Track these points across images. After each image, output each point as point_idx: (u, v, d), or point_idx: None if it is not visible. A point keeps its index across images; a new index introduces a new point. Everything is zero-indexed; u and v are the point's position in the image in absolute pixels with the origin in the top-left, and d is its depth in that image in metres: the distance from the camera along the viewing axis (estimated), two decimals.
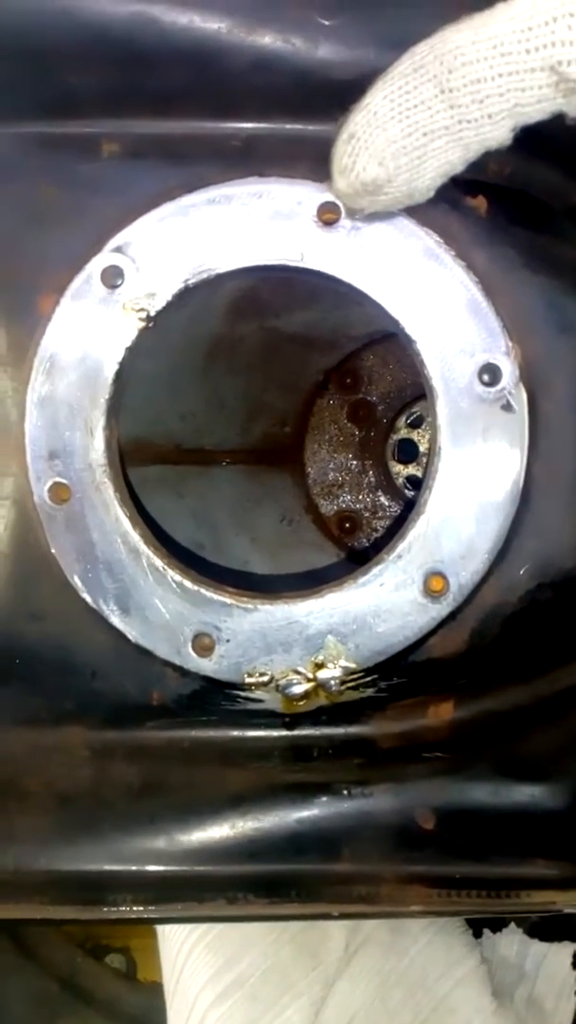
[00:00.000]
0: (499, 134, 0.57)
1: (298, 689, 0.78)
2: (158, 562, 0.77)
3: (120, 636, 0.78)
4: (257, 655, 0.78)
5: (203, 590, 0.77)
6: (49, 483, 0.76)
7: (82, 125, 0.75)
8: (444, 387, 0.75)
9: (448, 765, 0.79)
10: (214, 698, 0.79)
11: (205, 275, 0.75)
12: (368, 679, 0.78)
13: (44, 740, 0.79)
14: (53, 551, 0.77)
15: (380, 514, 1.35)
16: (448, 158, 0.60)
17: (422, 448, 1.34)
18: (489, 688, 0.81)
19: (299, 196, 0.75)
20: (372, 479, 1.36)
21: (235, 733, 0.80)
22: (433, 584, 0.76)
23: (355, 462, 1.36)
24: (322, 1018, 0.98)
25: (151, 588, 0.77)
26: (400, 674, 0.79)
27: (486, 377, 0.75)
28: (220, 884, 0.75)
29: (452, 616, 0.77)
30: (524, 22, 0.52)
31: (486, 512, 0.76)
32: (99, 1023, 1.44)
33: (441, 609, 0.77)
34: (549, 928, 1.12)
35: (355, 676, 0.78)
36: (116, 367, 0.76)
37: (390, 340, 1.30)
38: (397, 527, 0.79)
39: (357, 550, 1.32)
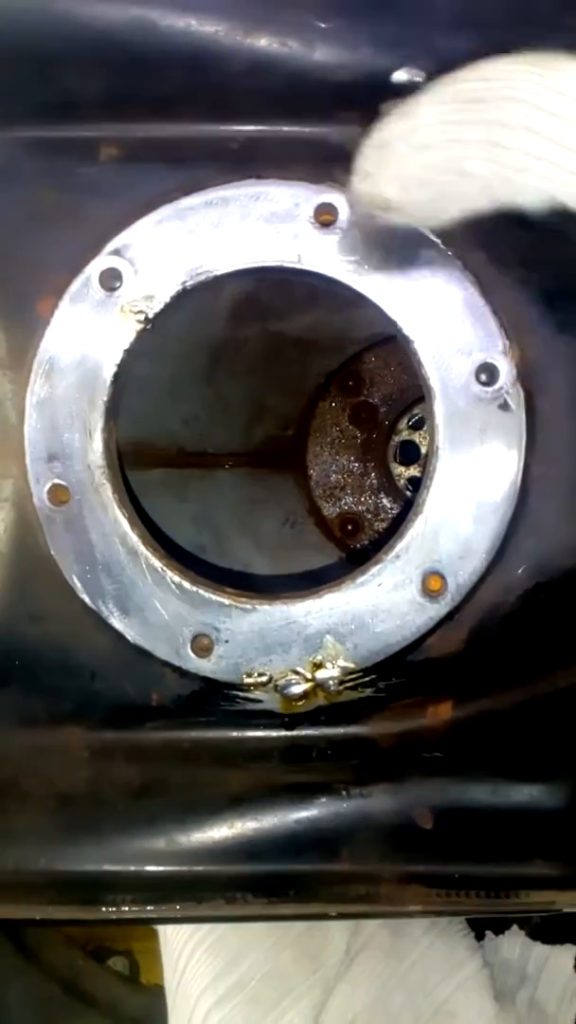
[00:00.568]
0: (536, 206, 0.53)
1: (297, 689, 0.78)
2: (157, 563, 0.77)
3: (119, 637, 0.78)
4: (256, 655, 0.78)
5: (201, 591, 0.78)
6: (48, 485, 0.77)
7: (80, 129, 0.75)
8: (441, 387, 0.76)
9: (447, 765, 0.79)
10: (213, 699, 0.79)
11: (203, 277, 0.76)
12: (367, 679, 0.78)
13: (43, 741, 0.79)
14: (52, 552, 0.77)
15: (382, 516, 1.35)
16: (474, 204, 0.55)
17: (424, 450, 1.35)
18: (488, 688, 0.81)
19: (296, 198, 0.75)
20: (374, 481, 1.36)
21: (234, 733, 0.80)
22: (431, 584, 0.76)
23: (357, 464, 1.36)
24: (323, 1021, 0.98)
25: (150, 589, 0.78)
26: (399, 674, 0.79)
27: (483, 377, 0.75)
28: (219, 884, 0.75)
29: (450, 616, 0.77)
30: None
31: (484, 512, 0.76)
32: None
33: (439, 609, 0.77)
34: (552, 930, 1.12)
35: (354, 676, 0.78)
36: (114, 369, 0.76)
37: (391, 342, 1.30)
38: (396, 528, 0.79)
39: (358, 551, 1.32)
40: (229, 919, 0.83)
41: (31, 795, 0.78)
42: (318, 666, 0.78)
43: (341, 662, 0.78)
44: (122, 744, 0.79)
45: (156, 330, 0.78)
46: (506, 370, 0.75)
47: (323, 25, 0.72)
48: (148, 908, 0.74)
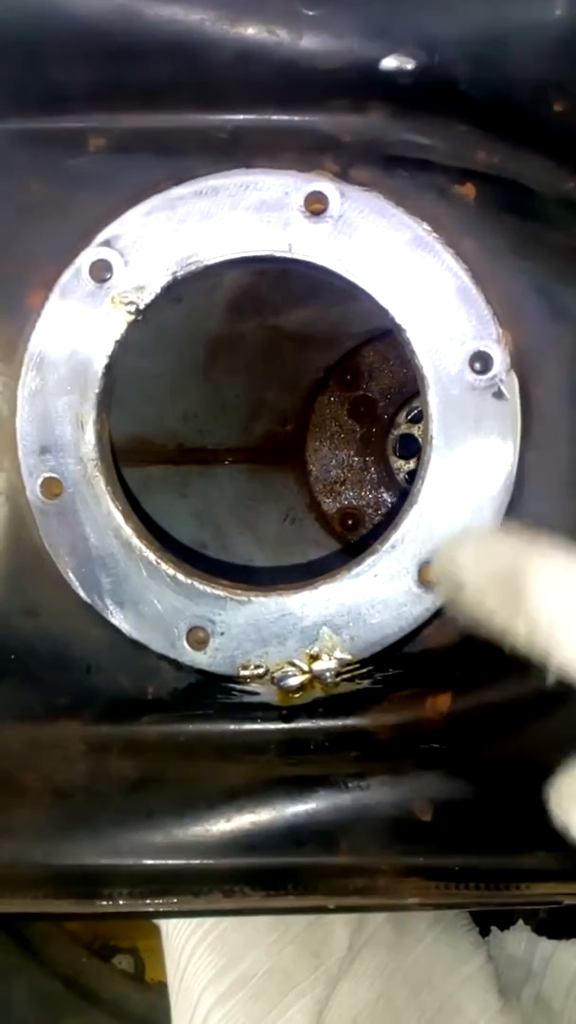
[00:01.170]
0: None
1: (293, 681, 0.77)
2: (151, 556, 0.77)
3: (115, 630, 0.78)
4: (252, 648, 0.77)
5: (197, 583, 0.77)
6: (41, 478, 0.76)
7: (68, 120, 0.75)
8: (435, 376, 0.75)
9: (446, 757, 0.78)
10: (210, 691, 0.79)
11: (193, 267, 0.75)
12: (364, 670, 0.78)
13: (40, 735, 0.79)
14: (46, 546, 0.77)
15: (382, 510, 1.34)
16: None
17: None
18: (487, 679, 0.80)
19: (286, 186, 0.75)
20: (374, 475, 1.35)
21: (231, 726, 0.80)
22: (427, 574, 0.76)
23: (357, 459, 1.36)
24: (326, 1017, 0.97)
25: (145, 582, 0.77)
26: (396, 665, 0.78)
27: (477, 365, 0.75)
28: (217, 877, 0.74)
29: None
30: None
31: (479, 501, 0.75)
32: (105, 1023, 1.43)
33: (436, 599, 0.76)
34: (557, 925, 1.11)
35: (350, 667, 0.77)
36: (106, 361, 0.76)
37: (389, 336, 1.29)
38: (392, 518, 0.79)
39: (358, 545, 1.32)
40: (227, 912, 0.83)
41: (27, 789, 0.77)
42: (315, 658, 0.77)
43: (338, 654, 0.77)
44: (118, 738, 0.79)
45: (151, 324, 0.78)
46: (500, 358, 0.74)
47: (310, 13, 0.72)
48: (145, 901, 0.74)
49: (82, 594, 0.77)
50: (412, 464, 1.34)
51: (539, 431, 0.76)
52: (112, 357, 0.76)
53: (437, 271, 0.75)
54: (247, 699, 0.79)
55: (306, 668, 0.77)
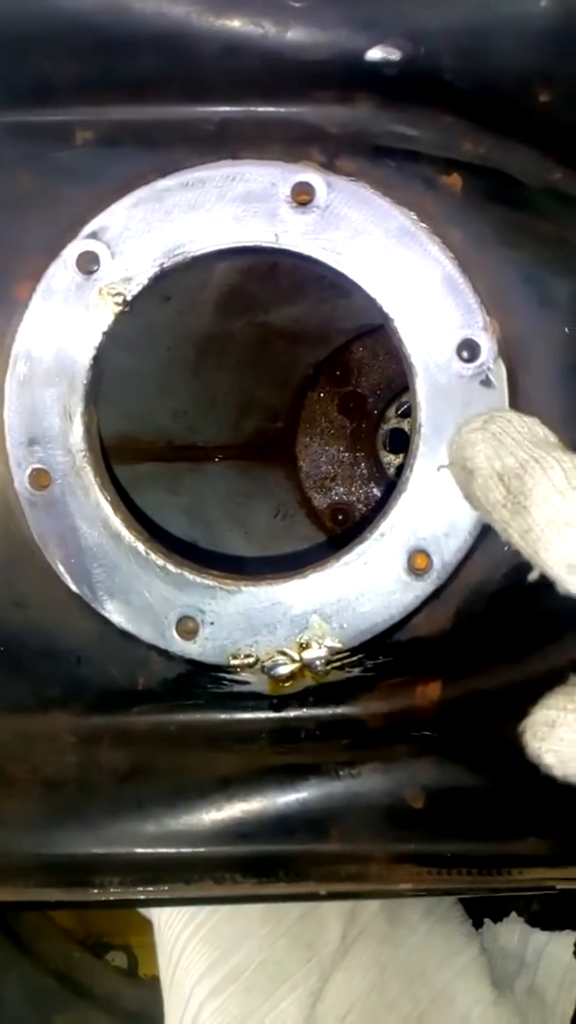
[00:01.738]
0: None
1: (284, 670, 0.77)
2: (140, 546, 0.77)
3: (104, 621, 0.78)
4: (242, 637, 0.77)
5: (186, 573, 0.77)
6: (29, 469, 0.77)
7: (55, 113, 0.75)
8: (423, 364, 0.75)
9: (437, 744, 0.78)
10: (200, 681, 0.79)
11: (180, 258, 0.75)
12: (354, 659, 0.78)
13: (30, 727, 0.79)
14: (35, 537, 0.77)
15: (373, 505, 1.35)
16: None
17: None
18: (477, 667, 0.80)
19: (272, 177, 0.75)
20: (364, 471, 1.36)
21: (222, 716, 0.80)
22: (417, 562, 0.76)
23: (347, 454, 1.36)
24: (319, 1010, 0.97)
25: (134, 572, 0.77)
26: (386, 653, 0.78)
27: (465, 353, 0.75)
28: (208, 865, 0.74)
29: (436, 594, 0.77)
30: None
31: None
32: (97, 1018, 1.43)
33: (425, 587, 0.77)
34: (550, 917, 1.11)
35: (341, 656, 0.78)
36: (93, 352, 0.76)
37: (378, 332, 1.30)
38: (381, 507, 0.79)
39: (347, 538, 1.32)
40: (219, 900, 0.83)
41: (18, 781, 0.77)
42: (305, 646, 0.77)
43: (328, 642, 0.77)
44: (109, 728, 0.79)
45: (138, 318, 0.78)
46: (487, 346, 0.75)
47: (296, 4, 0.72)
48: (136, 889, 0.73)
49: (71, 585, 0.77)
50: (402, 458, 1.35)
51: None
52: (100, 348, 0.76)
53: (424, 261, 0.75)
54: (237, 688, 0.79)
55: (296, 657, 0.77)
